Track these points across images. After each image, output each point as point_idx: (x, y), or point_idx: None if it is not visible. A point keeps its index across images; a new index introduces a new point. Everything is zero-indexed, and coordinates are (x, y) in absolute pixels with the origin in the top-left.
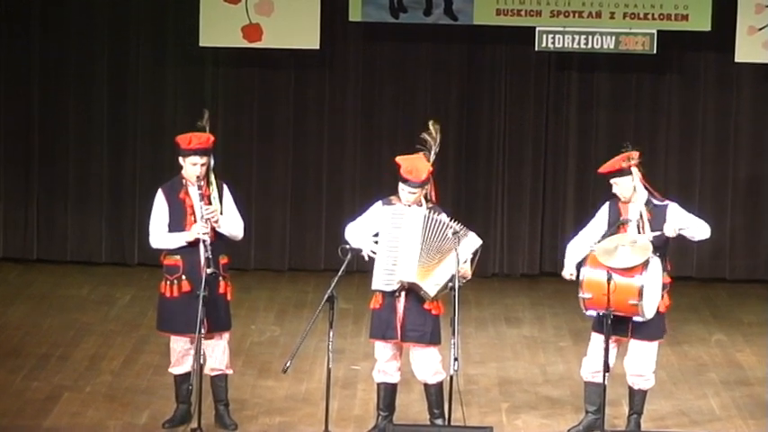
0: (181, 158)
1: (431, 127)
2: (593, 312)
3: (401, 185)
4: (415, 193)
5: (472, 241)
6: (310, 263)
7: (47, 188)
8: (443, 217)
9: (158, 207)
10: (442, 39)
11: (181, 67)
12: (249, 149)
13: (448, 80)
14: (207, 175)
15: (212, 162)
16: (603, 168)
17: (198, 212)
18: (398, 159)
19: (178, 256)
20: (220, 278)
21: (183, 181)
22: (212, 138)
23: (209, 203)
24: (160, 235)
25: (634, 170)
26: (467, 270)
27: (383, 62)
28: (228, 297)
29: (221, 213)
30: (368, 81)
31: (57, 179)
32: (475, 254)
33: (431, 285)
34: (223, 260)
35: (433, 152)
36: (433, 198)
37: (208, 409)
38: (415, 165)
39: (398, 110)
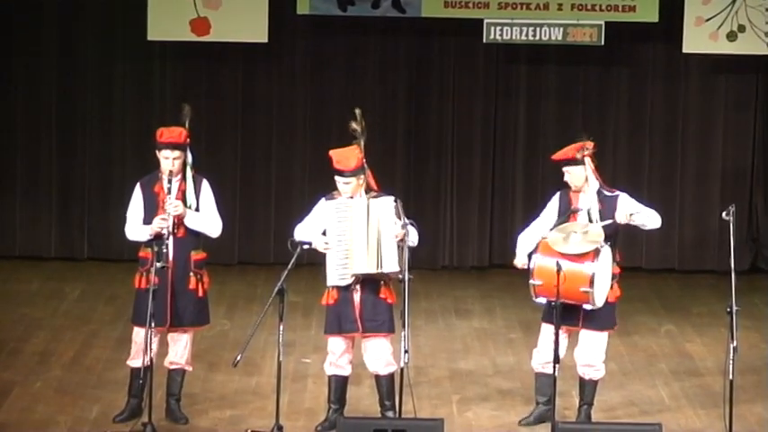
0: (156, 152)
1: (358, 116)
2: (542, 299)
3: (336, 178)
4: (349, 183)
5: (387, 204)
6: (260, 256)
7: None
8: (382, 199)
9: (134, 199)
10: (391, 31)
11: (129, 62)
12: (197, 143)
13: (396, 73)
14: (183, 170)
15: (189, 157)
16: (557, 155)
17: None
18: (330, 153)
19: (150, 249)
20: (191, 274)
21: (160, 174)
22: (185, 133)
23: (183, 199)
24: (132, 226)
25: (587, 160)
26: (399, 230)
27: (331, 55)
28: (200, 293)
29: (197, 210)
30: (316, 74)
31: (5, 174)
32: (396, 210)
33: (389, 265)
34: (196, 256)
35: (362, 141)
36: (374, 187)
37: (159, 402)
38: (345, 155)
39: (347, 103)
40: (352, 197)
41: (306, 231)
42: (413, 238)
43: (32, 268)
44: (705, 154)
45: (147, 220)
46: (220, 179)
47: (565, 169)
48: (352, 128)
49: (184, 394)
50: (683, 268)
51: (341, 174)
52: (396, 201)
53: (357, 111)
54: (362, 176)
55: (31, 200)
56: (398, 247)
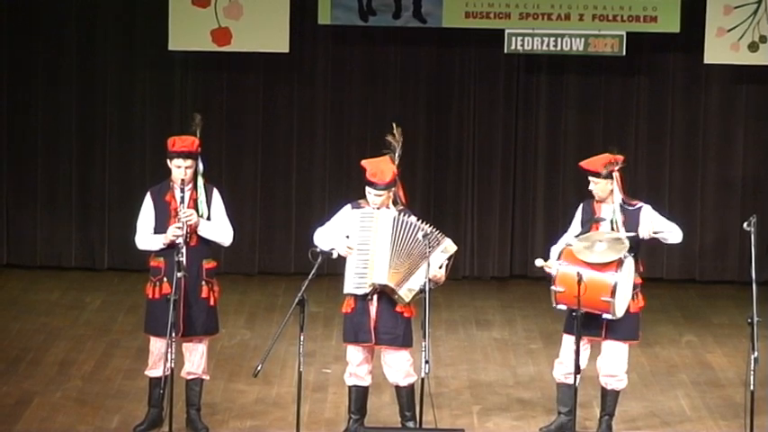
0: (168, 161)
1: (394, 130)
2: (562, 306)
3: (367, 189)
4: (381, 196)
5: (448, 247)
6: (280, 266)
7: (16, 193)
8: (413, 219)
9: (145, 208)
10: (411, 42)
11: (150, 71)
12: (218, 153)
13: (417, 83)
14: (194, 179)
15: (201, 166)
16: (585, 164)
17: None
18: (363, 163)
19: (161, 259)
20: (203, 282)
21: (171, 183)
22: (197, 142)
23: (195, 207)
24: (144, 236)
25: (615, 175)
26: (442, 275)
27: (352, 65)
28: (212, 302)
29: (209, 218)
30: (337, 84)
31: (26, 184)
32: (450, 259)
33: (405, 290)
34: (208, 264)
35: (397, 154)
36: (402, 200)
37: (179, 413)
38: (380, 167)
39: (368, 113)
40: (379, 208)
41: (326, 236)
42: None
43: (53, 278)
44: (726, 164)
45: (159, 229)
46: (241, 189)
47: (591, 179)
48: (388, 141)
49: (205, 404)
50: (703, 279)
51: (374, 186)
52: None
53: (394, 124)
54: (394, 189)
55: (51, 210)
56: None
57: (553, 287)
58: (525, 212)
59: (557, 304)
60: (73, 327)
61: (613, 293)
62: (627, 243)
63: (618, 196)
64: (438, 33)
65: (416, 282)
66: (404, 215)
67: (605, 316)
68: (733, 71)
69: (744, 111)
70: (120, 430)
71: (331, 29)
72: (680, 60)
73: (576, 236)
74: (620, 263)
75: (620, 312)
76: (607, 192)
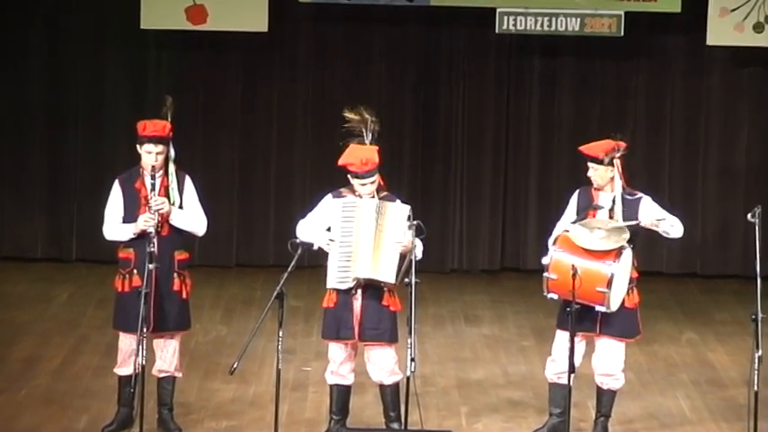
0: (138, 146)
1: (350, 113)
2: (554, 295)
3: (357, 181)
4: (374, 182)
5: (401, 211)
6: (259, 258)
7: None
8: (397, 204)
9: (113, 197)
10: (397, 21)
11: (121, 51)
12: (194, 138)
13: (403, 65)
14: (165, 166)
15: (172, 152)
16: (585, 149)
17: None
18: (343, 161)
19: (131, 249)
20: (174, 275)
21: (141, 170)
22: (169, 126)
23: (166, 195)
24: (112, 226)
25: (616, 162)
26: (408, 241)
27: (335, 45)
28: (184, 295)
29: (181, 207)
30: (319, 66)
31: None
32: (409, 219)
33: (387, 273)
34: (180, 256)
35: (370, 132)
36: (382, 184)
37: (151, 412)
38: (364, 155)
39: (351, 96)
40: (360, 196)
41: (309, 228)
42: (418, 252)
43: (19, 270)
44: (729, 151)
45: (128, 218)
46: (218, 177)
47: (590, 165)
48: (352, 127)
49: (178, 403)
50: (705, 273)
51: (366, 174)
52: (410, 210)
53: (346, 110)
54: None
55: (17, 198)
56: (401, 256)
57: (546, 274)
58: (517, 201)
59: (548, 292)
60: (39, 321)
61: (609, 284)
62: (627, 233)
63: (619, 185)
64: (426, 12)
65: (390, 257)
66: (387, 201)
67: (598, 308)
68: (737, 53)
69: (748, 95)
70: (89, 430)
71: (313, 7)
72: (681, 42)
73: (573, 222)
74: (618, 253)
75: (614, 306)
76: (606, 179)
